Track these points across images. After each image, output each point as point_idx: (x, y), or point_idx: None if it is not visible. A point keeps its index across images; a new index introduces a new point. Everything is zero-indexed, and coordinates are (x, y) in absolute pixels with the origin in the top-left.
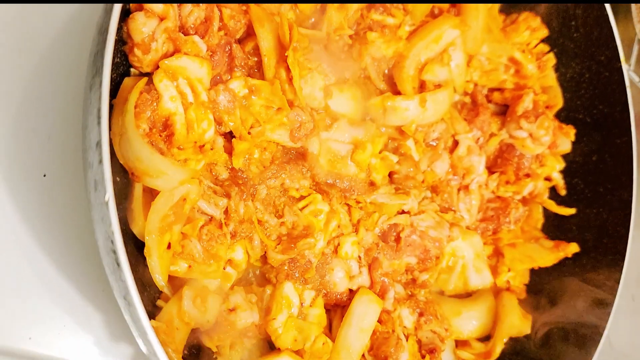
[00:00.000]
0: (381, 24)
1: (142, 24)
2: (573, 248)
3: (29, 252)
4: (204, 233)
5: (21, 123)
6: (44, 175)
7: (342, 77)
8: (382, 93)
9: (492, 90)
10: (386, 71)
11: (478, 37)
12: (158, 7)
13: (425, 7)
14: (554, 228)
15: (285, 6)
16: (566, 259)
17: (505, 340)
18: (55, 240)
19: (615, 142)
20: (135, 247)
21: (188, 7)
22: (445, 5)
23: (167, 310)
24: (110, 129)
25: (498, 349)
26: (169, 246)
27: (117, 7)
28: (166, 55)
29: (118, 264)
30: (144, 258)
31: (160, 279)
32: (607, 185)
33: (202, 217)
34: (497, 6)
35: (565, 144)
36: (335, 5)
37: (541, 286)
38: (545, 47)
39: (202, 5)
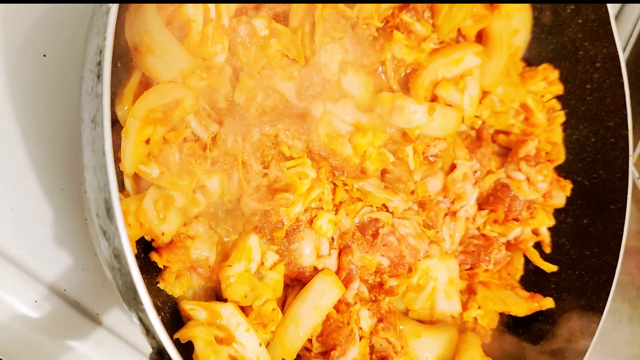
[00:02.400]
0: (408, 28)
1: None
2: (548, 303)
3: (9, 128)
4: (186, 147)
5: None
6: (44, 56)
7: (361, 61)
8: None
9: (498, 131)
10: (402, 75)
11: (496, 75)
12: None
13: (453, 28)
14: (532, 283)
15: None
16: (540, 314)
17: None
18: (40, 124)
19: (609, 208)
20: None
21: None
22: (472, 36)
23: (125, 202)
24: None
25: None
26: (147, 141)
27: None
28: None
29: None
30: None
31: (128, 166)
32: (594, 249)
33: (189, 132)
34: (520, 51)
35: (560, 198)
36: None
37: (510, 336)
38: (557, 105)
39: None
